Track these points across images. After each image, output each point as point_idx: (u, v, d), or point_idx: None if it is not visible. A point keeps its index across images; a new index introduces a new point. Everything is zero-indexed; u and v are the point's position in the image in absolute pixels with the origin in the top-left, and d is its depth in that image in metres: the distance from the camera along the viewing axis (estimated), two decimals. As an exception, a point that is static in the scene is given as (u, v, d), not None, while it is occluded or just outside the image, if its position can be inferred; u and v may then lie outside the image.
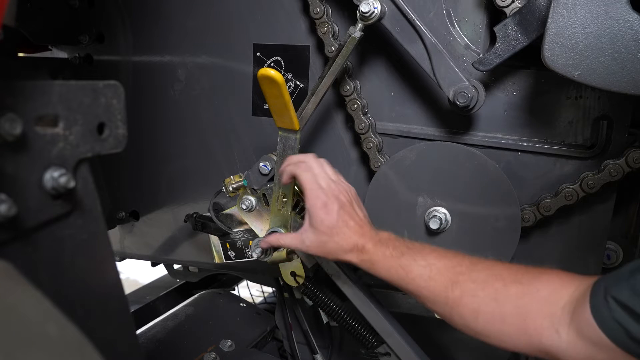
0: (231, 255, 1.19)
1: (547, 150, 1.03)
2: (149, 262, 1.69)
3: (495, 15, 1.01)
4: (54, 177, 0.46)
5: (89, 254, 0.53)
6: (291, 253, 1.11)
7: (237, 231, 1.17)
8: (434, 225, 1.03)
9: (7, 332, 0.37)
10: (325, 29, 1.08)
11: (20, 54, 1.39)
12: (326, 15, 1.08)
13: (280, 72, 1.08)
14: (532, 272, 0.75)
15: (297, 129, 0.95)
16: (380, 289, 1.36)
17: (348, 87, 1.09)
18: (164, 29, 1.30)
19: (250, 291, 2.20)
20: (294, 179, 0.94)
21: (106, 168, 1.45)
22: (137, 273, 3.06)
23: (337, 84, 1.10)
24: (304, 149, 1.21)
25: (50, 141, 0.46)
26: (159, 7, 1.30)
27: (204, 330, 1.44)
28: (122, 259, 1.61)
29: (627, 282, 0.61)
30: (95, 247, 0.54)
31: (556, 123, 1.03)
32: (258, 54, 1.22)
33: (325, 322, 1.48)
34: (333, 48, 1.08)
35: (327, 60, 1.13)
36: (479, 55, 1.00)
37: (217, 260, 1.21)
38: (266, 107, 1.23)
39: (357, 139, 1.16)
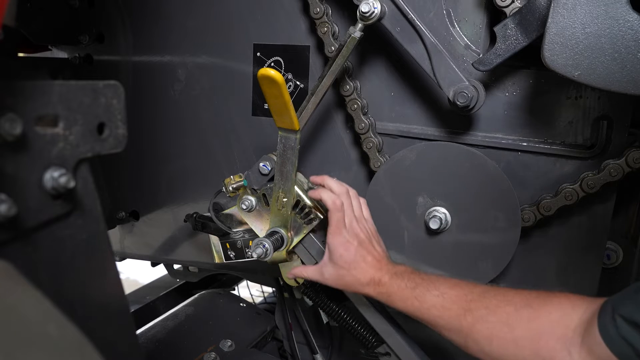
0: (231, 255, 1.19)
1: (547, 150, 1.03)
2: (149, 262, 1.69)
3: (495, 15, 1.01)
4: (54, 177, 0.46)
5: (89, 254, 0.53)
6: (291, 253, 1.11)
7: (237, 231, 1.17)
8: (434, 225, 1.04)
9: (7, 332, 0.37)
10: (325, 29, 1.08)
11: (20, 54, 1.39)
12: (326, 15, 1.08)
13: (280, 72, 1.08)
14: (543, 296, 0.77)
15: (297, 129, 0.95)
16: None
17: (348, 87, 1.09)
18: (164, 29, 1.30)
19: (250, 291, 2.20)
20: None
21: (106, 168, 1.45)
22: (137, 273, 3.06)
23: (337, 84, 1.10)
24: (304, 149, 1.21)
25: (50, 141, 0.46)
26: (159, 7, 1.30)
27: (204, 330, 1.44)
28: (122, 259, 1.61)
29: (633, 299, 0.62)
30: (95, 247, 0.54)
31: (556, 123, 1.03)
32: (258, 54, 1.22)
33: (325, 322, 1.48)
34: (333, 48, 1.08)
35: (327, 60, 1.13)
36: (479, 55, 1.00)
37: (217, 260, 1.21)
38: (266, 107, 1.23)
39: (357, 139, 1.15)
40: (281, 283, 1.48)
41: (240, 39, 1.23)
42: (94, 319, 0.53)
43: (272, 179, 1.05)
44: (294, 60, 1.19)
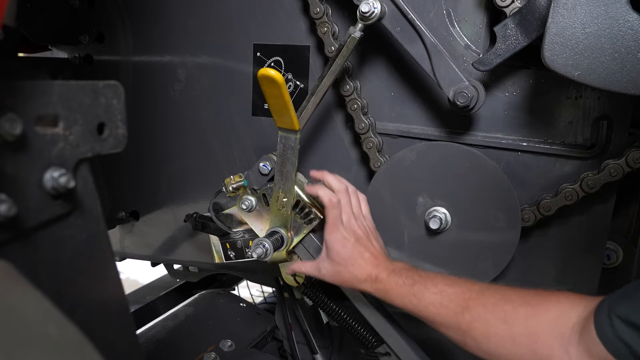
0: (231, 255, 1.19)
1: (547, 150, 1.03)
2: (149, 262, 1.69)
3: (495, 15, 1.01)
4: (54, 177, 0.46)
5: (89, 254, 0.53)
6: (291, 253, 1.11)
7: (237, 231, 1.17)
8: (434, 225, 1.04)
9: (7, 332, 0.37)
10: (325, 29, 1.08)
11: (20, 54, 1.39)
12: (326, 15, 1.08)
13: (280, 72, 1.08)
14: (541, 294, 0.77)
15: (297, 129, 0.95)
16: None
17: (348, 87, 1.09)
18: (164, 29, 1.30)
19: (250, 291, 2.20)
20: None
21: (106, 168, 1.45)
22: (137, 273, 3.06)
23: (337, 84, 1.10)
24: (304, 149, 1.21)
25: (50, 141, 0.46)
26: (159, 7, 1.30)
27: (204, 330, 1.44)
28: (122, 259, 1.61)
29: (629, 298, 0.62)
30: (95, 247, 0.54)
31: (556, 123, 1.03)
32: (258, 54, 1.22)
33: (325, 322, 1.48)
34: (333, 48, 1.08)
35: (327, 60, 1.13)
36: (479, 55, 1.00)
37: (217, 260, 1.21)
38: (266, 107, 1.23)
39: (357, 139, 1.15)
40: (281, 283, 1.48)
41: (240, 39, 1.23)
42: (94, 319, 0.53)
43: (272, 179, 1.05)
44: (294, 60, 1.19)
